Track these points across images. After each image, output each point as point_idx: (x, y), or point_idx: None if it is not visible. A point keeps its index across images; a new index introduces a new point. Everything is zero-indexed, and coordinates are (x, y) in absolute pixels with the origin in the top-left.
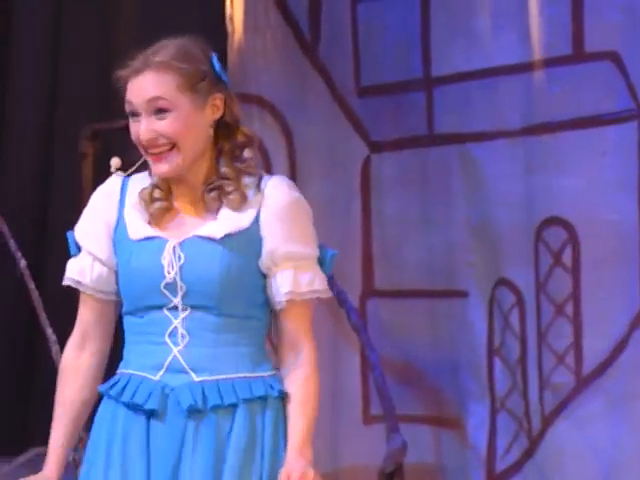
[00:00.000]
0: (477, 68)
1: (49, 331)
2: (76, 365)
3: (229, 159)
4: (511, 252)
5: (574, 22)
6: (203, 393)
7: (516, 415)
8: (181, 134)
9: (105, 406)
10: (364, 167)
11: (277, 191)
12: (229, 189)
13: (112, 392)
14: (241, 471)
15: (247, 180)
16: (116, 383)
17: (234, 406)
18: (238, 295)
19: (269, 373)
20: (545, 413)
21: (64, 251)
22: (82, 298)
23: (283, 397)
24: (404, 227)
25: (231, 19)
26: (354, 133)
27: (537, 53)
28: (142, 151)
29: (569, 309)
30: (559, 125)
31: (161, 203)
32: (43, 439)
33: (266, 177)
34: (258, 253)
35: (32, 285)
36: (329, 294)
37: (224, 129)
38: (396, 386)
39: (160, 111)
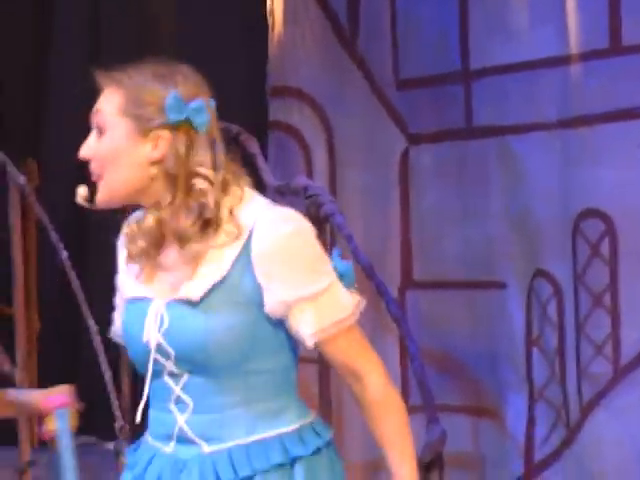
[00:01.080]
0: (515, 61)
1: (91, 322)
2: None
3: (186, 212)
4: (549, 244)
5: (611, 15)
6: (215, 468)
7: (554, 405)
8: (107, 160)
9: (125, 477)
10: (402, 159)
11: (268, 233)
12: (196, 245)
13: (131, 461)
14: None
15: (230, 221)
16: (136, 450)
17: (251, 478)
18: (233, 355)
19: (292, 427)
20: (583, 403)
21: (105, 242)
22: None
23: (321, 451)
24: (442, 219)
25: (271, 13)
26: (393, 125)
27: (574, 47)
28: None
29: (607, 300)
30: (596, 118)
31: (144, 247)
32: (86, 429)
33: (255, 214)
34: (255, 302)
35: (73, 276)
36: (357, 314)
37: (172, 178)
38: (435, 376)
39: (98, 129)
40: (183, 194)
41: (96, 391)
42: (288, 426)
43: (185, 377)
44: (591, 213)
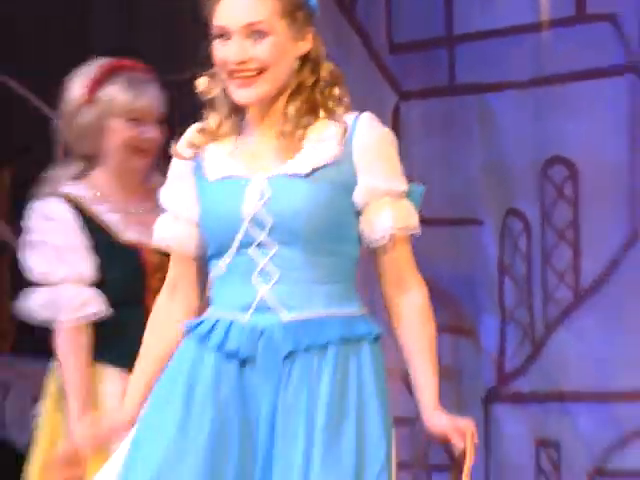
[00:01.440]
0: (492, 28)
1: None
2: (166, 314)
3: (314, 95)
4: (520, 187)
5: None
6: (294, 334)
7: (522, 325)
8: (274, 60)
9: (188, 347)
10: (394, 114)
11: (369, 127)
12: (311, 126)
13: (200, 330)
14: (335, 408)
15: (334, 115)
16: (201, 323)
17: (326, 346)
18: (326, 230)
19: (360, 312)
20: (548, 324)
21: None
22: (171, 255)
23: (377, 339)
24: (428, 165)
25: None
26: (387, 85)
27: (544, 15)
28: (226, 76)
29: (569, 235)
30: (562, 77)
31: (238, 136)
32: None
33: (355, 113)
34: (349, 188)
35: None
36: (419, 230)
37: (309, 64)
38: None
39: (256, 34)
40: (314, 79)
41: None
42: (356, 310)
43: (275, 249)
44: (557, 160)
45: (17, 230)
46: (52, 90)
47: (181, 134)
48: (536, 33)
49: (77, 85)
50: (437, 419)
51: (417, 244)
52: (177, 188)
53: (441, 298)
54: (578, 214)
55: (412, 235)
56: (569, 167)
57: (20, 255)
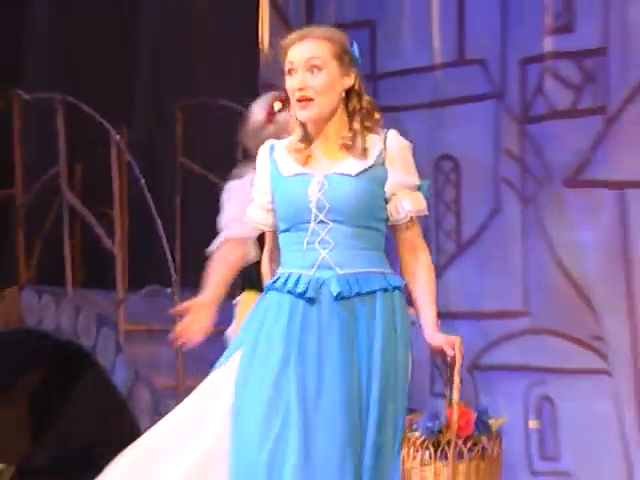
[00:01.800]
0: (403, 68)
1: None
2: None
3: (359, 118)
4: (421, 176)
5: (459, 36)
6: (345, 283)
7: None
8: (325, 89)
9: (269, 298)
10: None
11: (396, 141)
12: (357, 140)
13: (277, 285)
14: (386, 340)
15: (373, 134)
16: (278, 279)
17: (373, 293)
18: (366, 212)
19: (390, 271)
20: (439, 267)
21: None
22: (266, 232)
23: (400, 287)
24: None
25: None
26: None
27: (437, 59)
28: (293, 101)
29: (454, 208)
30: (449, 101)
31: (304, 147)
32: (152, 279)
33: (386, 130)
34: (382, 183)
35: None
36: (427, 213)
37: (354, 96)
38: None
39: (314, 68)
40: (359, 107)
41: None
42: (387, 269)
43: (330, 225)
44: (445, 157)
45: (86, 202)
46: (110, 111)
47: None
48: (432, 72)
49: (259, 109)
50: (435, 337)
51: None
52: (258, 181)
53: None
54: (460, 194)
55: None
56: (454, 162)
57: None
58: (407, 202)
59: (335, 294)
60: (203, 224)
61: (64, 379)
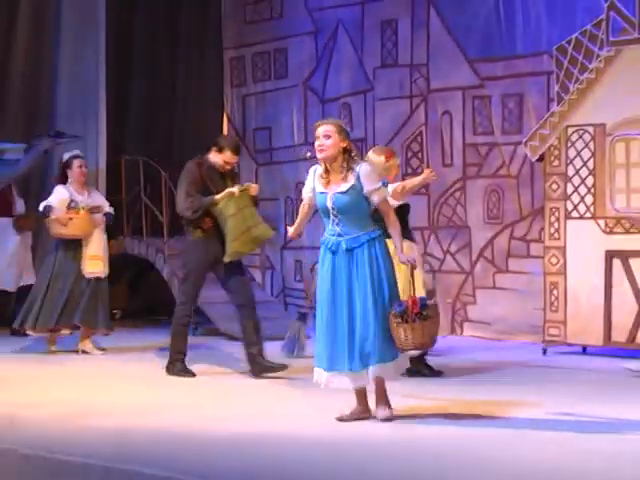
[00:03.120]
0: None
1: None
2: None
3: (348, 161)
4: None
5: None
6: (351, 242)
7: None
8: (332, 147)
9: (322, 249)
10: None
11: (363, 167)
12: (345, 172)
13: (324, 243)
14: (371, 264)
15: (354, 165)
16: (324, 240)
17: (362, 245)
18: (357, 207)
19: (373, 229)
20: None
21: None
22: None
23: (379, 236)
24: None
25: None
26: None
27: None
28: (317, 151)
29: None
30: (384, 99)
31: (325, 177)
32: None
33: (358, 162)
34: (361, 191)
35: None
36: (388, 194)
37: (347, 149)
38: None
39: (326, 137)
40: (348, 156)
41: None
42: (373, 229)
43: (339, 217)
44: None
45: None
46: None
47: None
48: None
49: (377, 155)
50: (400, 256)
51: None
52: (307, 187)
53: None
54: None
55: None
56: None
57: None
58: (375, 198)
59: (344, 249)
60: None
61: (141, 273)
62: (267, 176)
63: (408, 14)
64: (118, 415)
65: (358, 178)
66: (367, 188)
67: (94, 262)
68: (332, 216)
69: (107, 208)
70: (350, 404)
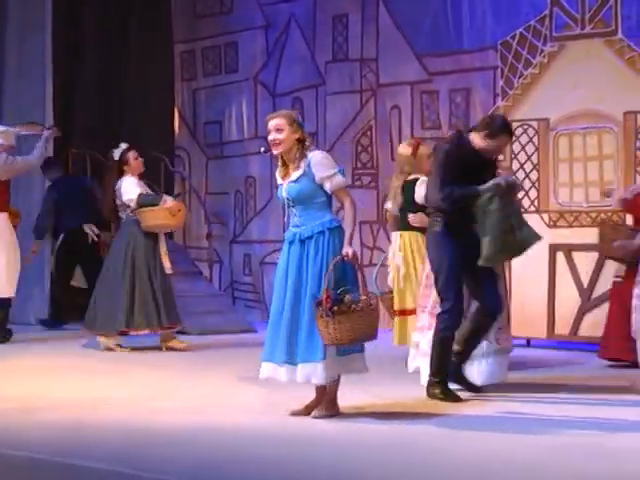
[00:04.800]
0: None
1: None
2: None
3: (301, 151)
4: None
5: None
6: (306, 232)
7: None
8: (285, 140)
9: (285, 240)
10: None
11: (314, 155)
12: (299, 161)
13: (286, 234)
14: (314, 261)
15: (307, 153)
16: (287, 232)
17: (312, 236)
18: (310, 196)
19: (329, 219)
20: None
21: None
22: None
23: (335, 228)
24: None
25: None
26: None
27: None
28: (272, 145)
29: None
30: (334, 94)
31: (283, 169)
32: None
33: (312, 150)
34: (313, 178)
35: None
36: (345, 182)
37: (301, 140)
38: None
39: (279, 131)
40: (302, 147)
41: None
42: (327, 220)
43: (295, 207)
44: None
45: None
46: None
47: None
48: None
49: (404, 148)
50: (346, 247)
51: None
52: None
53: None
54: None
55: (344, 184)
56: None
57: None
58: (327, 185)
59: (298, 240)
60: None
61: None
62: (217, 170)
63: (358, 9)
64: (66, 409)
65: (309, 166)
66: (319, 175)
67: (166, 258)
68: (289, 207)
69: None
70: (305, 399)
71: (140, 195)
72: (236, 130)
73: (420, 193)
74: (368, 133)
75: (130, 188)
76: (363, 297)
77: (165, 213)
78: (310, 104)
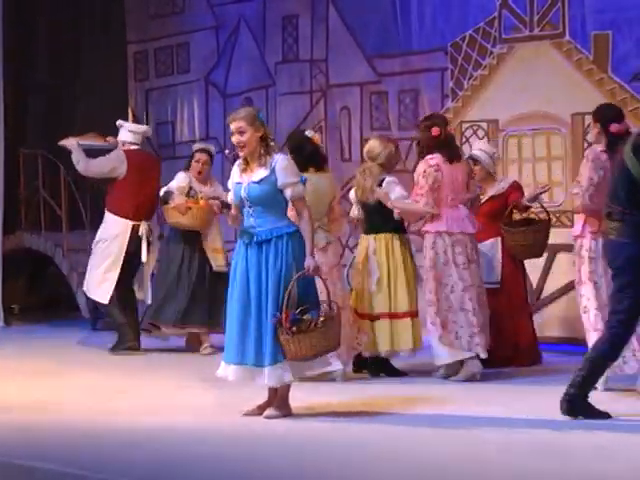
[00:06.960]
0: None
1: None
2: None
3: (265, 148)
4: None
5: None
6: (264, 235)
7: None
8: (248, 141)
9: (239, 242)
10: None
11: (280, 159)
12: (263, 160)
13: (240, 235)
14: (274, 265)
15: (271, 155)
16: (241, 233)
17: (271, 239)
18: (270, 200)
19: (286, 224)
20: None
21: None
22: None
23: (293, 233)
24: None
25: None
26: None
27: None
28: (237, 147)
29: None
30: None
31: (244, 165)
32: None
33: (277, 154)
34: (275, 183)
35: None
36: (304, 193)
37: (263, 137)
38: None
39: (240, 133)
40: (265, 145)
41: None
42: (285, 224)
43: (253, 209)
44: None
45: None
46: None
47: None
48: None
49: (383, 144)
50: (309, 260)
51: None
52: (231, 181)
53: None
54: None
55: (302, 196)
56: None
57: None
58: (288, 192)
59: (255, 242)
60: None
61: (41, 268)
62: (170, 170)
63: (308, 10)
64: (18, 411)
65: (274, 170)
66: (282, 180)
67: (218, 255)
68: (247, 207)
69: (224, 198)
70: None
71: (164, 192)
72: (187, 131)
73: (396, 194)
74: (318, 134)
75: (171, 182)
76: (325, 307)
77: (174, 212)
78: (260, 105)
